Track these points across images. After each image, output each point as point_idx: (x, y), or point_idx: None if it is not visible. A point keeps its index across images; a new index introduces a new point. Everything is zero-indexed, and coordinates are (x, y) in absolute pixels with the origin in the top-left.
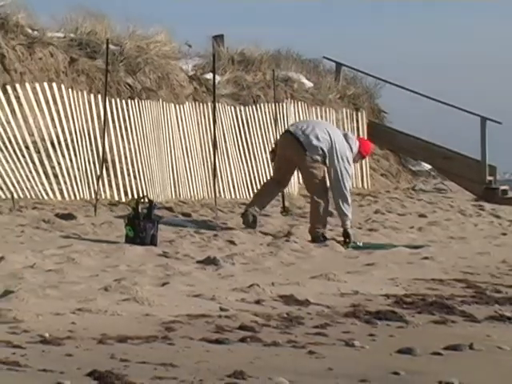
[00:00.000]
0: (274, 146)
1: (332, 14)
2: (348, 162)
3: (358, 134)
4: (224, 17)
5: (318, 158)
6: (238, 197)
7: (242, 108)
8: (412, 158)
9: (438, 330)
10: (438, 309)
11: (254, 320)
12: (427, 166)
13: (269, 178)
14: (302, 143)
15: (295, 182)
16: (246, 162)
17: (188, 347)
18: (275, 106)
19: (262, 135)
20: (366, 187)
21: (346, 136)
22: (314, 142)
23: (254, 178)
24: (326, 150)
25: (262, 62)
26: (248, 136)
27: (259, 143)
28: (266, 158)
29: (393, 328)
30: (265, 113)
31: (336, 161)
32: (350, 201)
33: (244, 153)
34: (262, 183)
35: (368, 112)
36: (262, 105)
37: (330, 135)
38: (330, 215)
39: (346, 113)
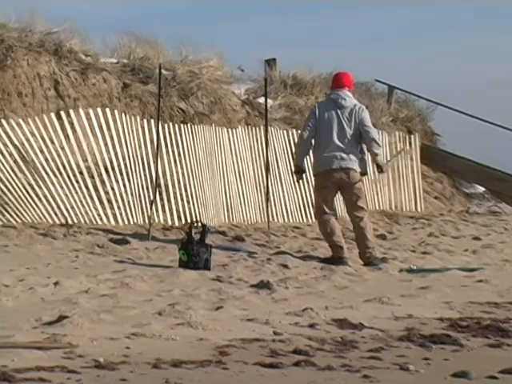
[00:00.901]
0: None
1: (383, 37)
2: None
3: (411, 158)
4: (276, 40)
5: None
6: (290, 221)
7: (295, 131)
8: (465, 180)
9: (493, 354)
10: (493, 332)
11: (307, 344)
12: (481, 189)
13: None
14: None
15: None
16: (299, 186)
17: (242, 371)
18: None
19: None
20: (419, 210)
21: None
22: None
23: (307, 201)
24: None
25: (314, 85)
26: None
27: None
28: None
29: (447, 352)
30: None
31: None
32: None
33: None
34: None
35: (421, 135)
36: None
37: None
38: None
39: (399, 136)
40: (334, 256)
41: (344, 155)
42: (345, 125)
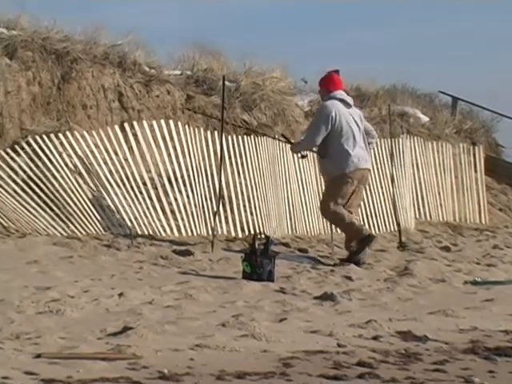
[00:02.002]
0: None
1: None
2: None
3: (476, 170)
4: (339, 52)
5: None
6: None
7: None
8: None
9: None
10: None
11: (371, 356)
12: None
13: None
14: None
15: (411, 216)
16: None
17: (306, 383)
18: (391, 141)
19: (377, 170)
20: (483, 222)
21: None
22: None
23: (370, 212)
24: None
25: (377, 97)
26: None
27: (375, 178)
28: (383, 193)
29: None
30: (381, 148)
31: None
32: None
33: None
34: (378, 218)
35: (485, 146)
36: (378, 140)
37: None
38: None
39: (463, 147)
40: (363, 236)
41: (366, 155)
42: (359, 124)
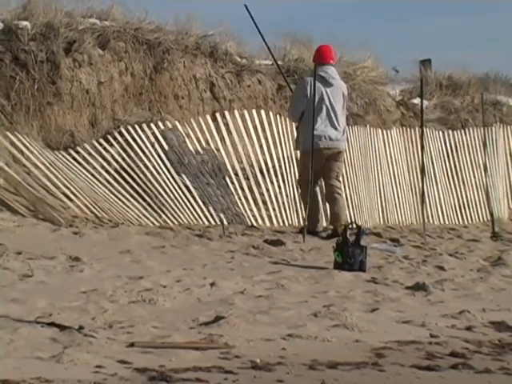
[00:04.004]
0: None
1: None
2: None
3: None
4: (431, 41)
5: None
6: (446, 222)
7: (450, 132)
8: None
9: None
10: None
11: (464, 347)
12: None
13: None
14: None
15: (505, 206)
16: (455, 187)
17: (399, 374)
18: (484, 130)
19: (470, 160)
20: None
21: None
22: None
23: (463, 202)
24: None
25: (470, 85)
26: (456, 161)
27: (468, 168)
28: (475, 182)
29: None
30: (473, 137)
31: None
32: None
33: (452, 178)
34: (470, 208)
35: None
36: (470, 129)
37: None
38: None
39: None
40: (312, 228)
41: (337, 134)
42: (334, 103)
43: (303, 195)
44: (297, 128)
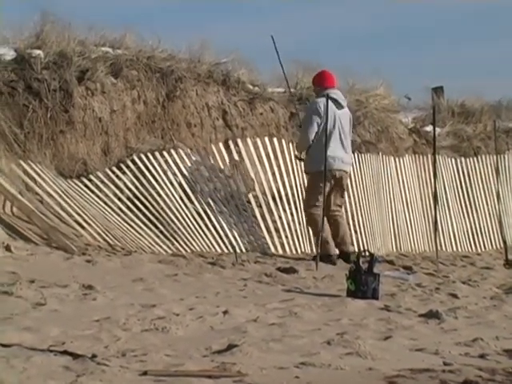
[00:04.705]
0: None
1: None
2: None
3: None
4: (443, 68)
5: None
6: (459, 250)
7: (463, 160)
8: None
9: None
10: None
11: (478, 375)
12: None
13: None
14: None
15: None
16: (468, 214)
17: None
18: (497, 157)
19: (483, 187)
20: None
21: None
22: None
23: (476, 230)
24: None
25: (482, 113)
26: (469, 188)
27: (481, 195)
28: (488, 210)
29: None
30: (486, 164)
31: None
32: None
33: (465, 205)
34: (483, 235)
35: None
36: (482, 156)
37: None
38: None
39: None
40: (326, 253)
41: (347, 158)
42: (344, 126)
43: (313, 221)
44: (306, 150)
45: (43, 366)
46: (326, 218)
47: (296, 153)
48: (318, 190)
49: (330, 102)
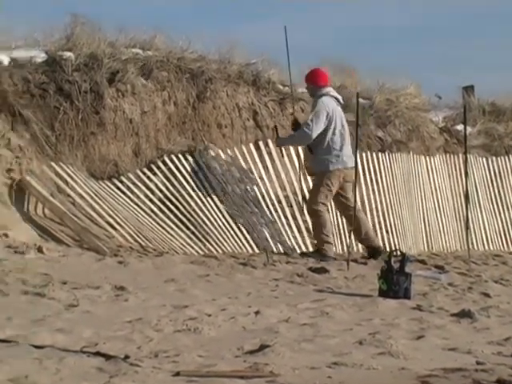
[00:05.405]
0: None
1: None
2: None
3: None
4: (474, 67)
5: None
6: (491, 248)
7: (494, 159)
8: None
9: None
10: None
11: (511, 374)
12: None
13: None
14: None
15: None
16: (499, 213)
17: None
18: None
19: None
20: None
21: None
22: None
23: (508, 229)
24: None
25: None
26: (500, 187)
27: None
28: None
29: None
30: None
31: None
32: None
33: (497, 203)
34: None
35: None
36: None
37: None
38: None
39: None
40: (325, 254)
41: (352, 154)
42: (345, 122)
43: (317, 218)
44: (310, 150)
45: (76, 367)
46: (344, 219)
47: (281, 144)
48: (327, 188)
49: (332, 100)
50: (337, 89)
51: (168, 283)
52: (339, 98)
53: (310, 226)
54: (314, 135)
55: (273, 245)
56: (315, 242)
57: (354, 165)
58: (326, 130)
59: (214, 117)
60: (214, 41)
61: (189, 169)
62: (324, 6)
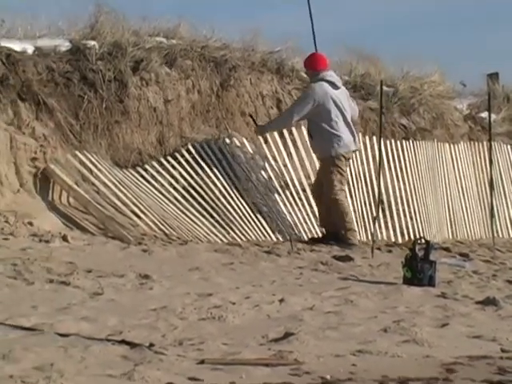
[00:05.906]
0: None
1: None
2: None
3: None
4: (499, 54)
5: None
6: None
7: None
8: None
9: None
10: None
11: None
12: None
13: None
14: None
15: None
16: None
17: None
18: None
19: None
20: None
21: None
22: None
23: None
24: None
25: None
26: None
27: None
28: None
29: None
30: None
31: None
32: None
33: None
34: None
35: None
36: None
37: None
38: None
39: None
40: (347, 240)
41: (355, 137)
42: (345, 106)
43: (339, 206)
44: (310, 135)
45: (101, 355)
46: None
47: (263, 132)
48: (337, 173)
49: (327, 85)
50: (360, 77)
51: (192, 271)
52: (336, 81)
53: (316, 212)
54: (295, 119)
55: (297, 233)
56: (323, 230)
57: (356, 148)
58: (320, 116)
59: (238, 105)
60: (238, 29)
61: (213, 157)
62: None
